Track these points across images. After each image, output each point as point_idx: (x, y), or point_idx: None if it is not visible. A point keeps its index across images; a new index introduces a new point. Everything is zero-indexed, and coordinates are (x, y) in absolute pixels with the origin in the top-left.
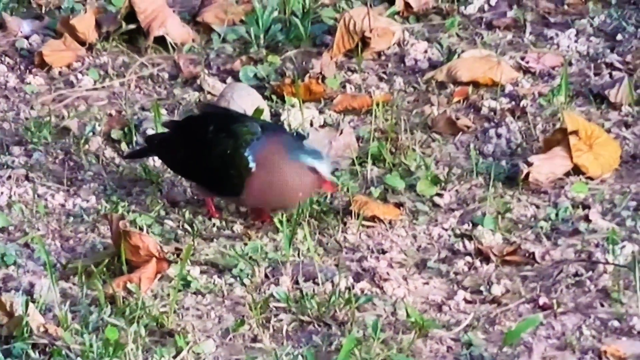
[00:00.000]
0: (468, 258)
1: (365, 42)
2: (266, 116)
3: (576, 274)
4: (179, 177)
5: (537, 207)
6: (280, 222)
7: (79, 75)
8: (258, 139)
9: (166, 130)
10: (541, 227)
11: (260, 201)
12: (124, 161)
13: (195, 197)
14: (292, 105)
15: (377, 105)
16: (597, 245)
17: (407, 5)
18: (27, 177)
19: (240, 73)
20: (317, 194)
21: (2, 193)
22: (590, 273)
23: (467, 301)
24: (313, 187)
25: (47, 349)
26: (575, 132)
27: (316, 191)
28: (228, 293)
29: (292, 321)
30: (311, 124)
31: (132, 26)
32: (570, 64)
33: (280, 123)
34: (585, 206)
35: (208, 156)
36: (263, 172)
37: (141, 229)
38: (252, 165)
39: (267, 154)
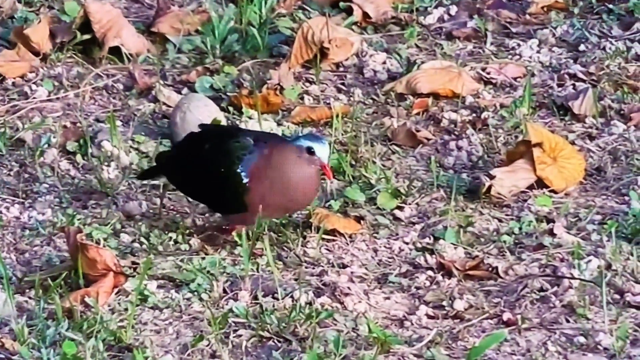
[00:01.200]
0: (430, 272)
1: (323, 52)
2: None
3: (541, 289)
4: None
5: (500, 220)
6: (239, 235)
7: (33, 86)
8: (251, 152)
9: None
10: (504, 241)
11: (269, 211)
12: (79, 173)
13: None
14: (250, 117)
15: (336, 117)
16: (562, 260)
17: (365, 15)
18: None
19: (196, 84)
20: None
21: None
22: (555, 288)
23: (429, 316)
24: (316, 175)
25: None
26: (539, 144)
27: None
28: (186, 308)
29: (252, 337)
30: None
31: (86, 36)
32: (532, 74)
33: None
34: (550, 220)
35: (205, 176)
36: (259, 181)
37: (97, 242)
38: (245, 180)
39: (258, 162)
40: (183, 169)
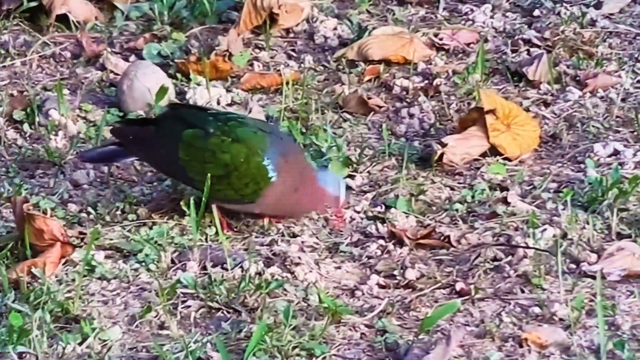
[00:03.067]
0: (381, 241)
1: (273, 18)
2: (171, 95)
3: (495, 259)
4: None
5: (452, 189)
6: (187, 205)
7: None
8: (271, 144)
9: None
10: (457, 210)
11: (273, 210)
12: (26, 142)
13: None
14: (198, 84)
15: (287, 83)
16: (516, 229)
17: None
18: None
19: (144, 51)
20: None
21: None
22: (509, 258)
23: (380, 286)
24: (326, 207)
25: None
26: (492, 111)
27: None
28: (134, 279)
29: (200, 307)
30: (218, 103)
31: (33, 4)
32: (486, 40)
33: (185, 102)
34: (503, 188)
35: (213, 163)
36: (284, 184)
37: (45, 212)
38: (272, 175)
39: (289, 165)
40: (173, 153)
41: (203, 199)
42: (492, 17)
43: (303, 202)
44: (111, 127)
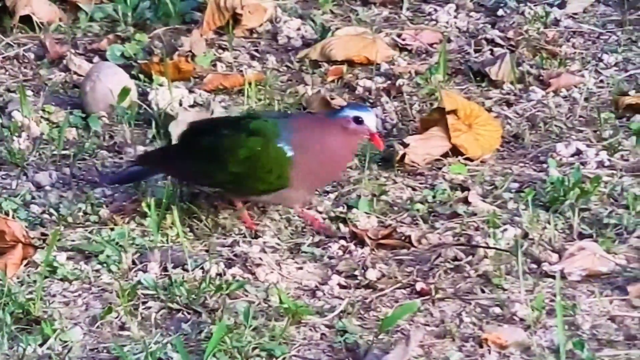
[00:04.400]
0: (343, 242)
1: (236, 19)
2: (133, 96)
3: (455, 259)
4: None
5: (414, 189)
6: (148, 206)
7: None
8: (283, 127)
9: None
10: (418, 210)
11: (309, 185)
12: None
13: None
14: (160, 85)
15: (249, 84)
16: (477, 229)
17: None
18: None
19: (108, 52)
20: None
21: None
22: (470, 257)
23: (341, 286)
24: (356, 145)
25: None
26: (454, 112)
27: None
28: (95, 280)
29: (161, 309)
30: (180, 104)
31: None
32: (449, 40)
33: (148, 102)
34: (464, 188)
35: (233, 161)
36: (303, 154)
37: (7, 213)
38: (289, 153)
39: (304, 135)
40: (199, 159)
41: (163, 200)
42: (455, 17)
43: (335, 150)
44: (138, 156)
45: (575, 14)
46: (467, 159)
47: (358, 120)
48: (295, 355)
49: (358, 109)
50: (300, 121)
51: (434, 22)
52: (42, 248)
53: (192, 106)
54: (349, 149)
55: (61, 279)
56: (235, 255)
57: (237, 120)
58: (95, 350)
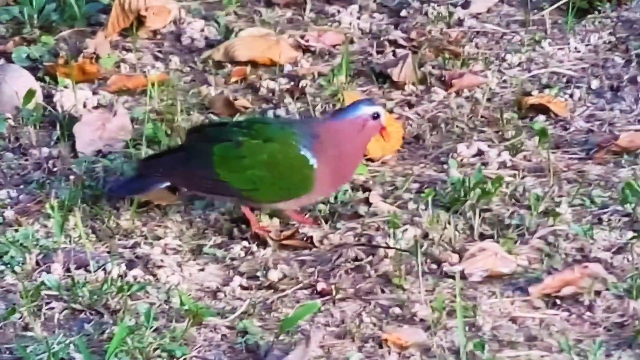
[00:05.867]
0: (245, 243)
1: (140, 20)
2: (39, 98)
3: (356, 259)
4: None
5: None
6: (52, 207)
7: None
8: (302, 134)
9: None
10: (319, 211)
11: (330, 186)
12: None
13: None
14: (65, 86)
15: (152, 85)
16: (377, 229)
17: None
18: None
19: (13, 54)
20: None
21: None
22: (370, 258)
23: (243, 287)
24: (370, 140)
25: None
26: None
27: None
28: None
29: (64, 309)
30: (84, 105)
31: None
32: (351, 42)
33: (53, 104)
34: (366, 189)
35: (252, 167)
36: (326, 159)
37: None
38: (312, 161)
39: (320, 139)
40: (207, 166)
41: (66, 202)
42: (358, 18)
43: (353, 151)
44: (140, 164)
45: (479, 13)
46: (369, 159)
47: (374, 116)
48: (195, 356)
49: (372, 104)
50: (315, 127)
51: (337, 24)
52: None
53: (96, 107)
54: (364, 146)
55: None
56: (137, 256)
57: (247, 125)
58: None
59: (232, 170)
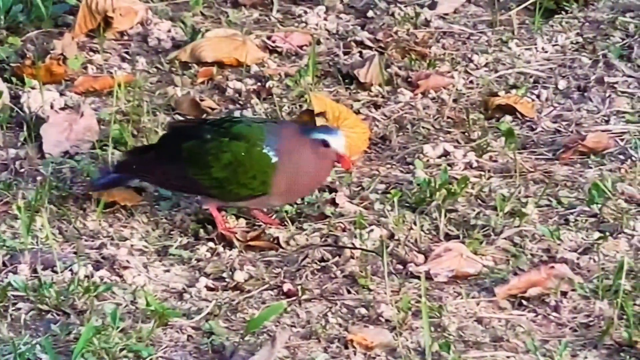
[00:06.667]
0: (211, 244)
1: (107, 21)
2: (5, 99)
3: (322, 259)
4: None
5: None
6: (19, 208)
7: None
8: (268, 132)
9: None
10: (286, 212)
11: (288, 193)
12: None
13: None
14: (33, 87)
15: (119, 86)
16: (344, 230)
17: None
18: None
19: None
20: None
21: None
22: (336, 258)
23: (209, 288)
24: (330, 165)
25: None
26: (323, 114)
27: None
28: None
29: (30, 310)
30: (51, 107)
31: None
32: (318, 42)
33: (20, 105)
34: (332, 189)
35: (216, 165)
36: (290, 164)
37: None
38: (274, 159)
39: (291, 144)
40: (178, 165)
41: (33, 202)
42: (325, 19)
43: (313, 165)
44: (116, 164)
45: (446, 14)
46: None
47: (325, 144)
48: (161, 357)
49: (325, 132)
50: (285, 129)
51: (304, 24)
52: None
53: (62, 109)
54: (321, 169)
55: None
56: (103, 257)
57: (219, 123)
58: None
59: (199, 167)
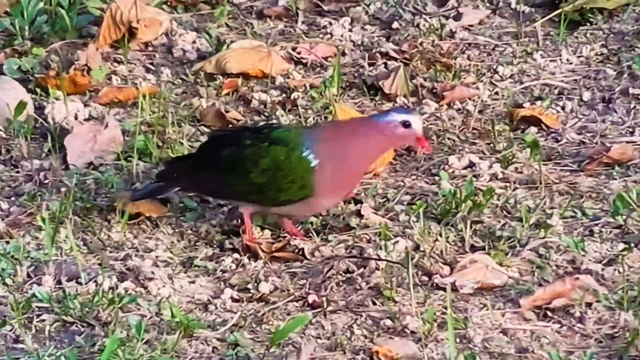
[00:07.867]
0: (236, 255)
1: (132, 32)
2: (30, 110)
3: (347, 271)
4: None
5: None
6: (43, 219)
7: None
8: (308, 136)
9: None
10: (311, 223)
11: (332, 196)
12: None
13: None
14: (57, 98)
15: (144, 97)
16: (369, 241)
17: None
18: None
19: (5, 66)
20: None
21: None
22: (361, 270)
23: (234, 300)
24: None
25: None
26: None
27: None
28: None
29: (55, 321)
30: (76, 117)
31: None
32: (343, 54)
33: (44, 116)
34: (357, 201)
35: (255, 171)
36: (330, 162)
37: None
38: (314, 163)
39: (330, 142)
40: (220, 171)
41: (57, 214)
42: (350, 30)
43: (362, 154)
44: (157, 173)
45: (471, 25)
46: None
47: (406, 125)
48: None
49: (405, 112)
50: (328, 130)
51: (328, 36)
52: None
53: (87, 119)
54: (379, 152)
55: None
56: (128, 269)
57: (259, 129)
58: None
59: (238, 173)
